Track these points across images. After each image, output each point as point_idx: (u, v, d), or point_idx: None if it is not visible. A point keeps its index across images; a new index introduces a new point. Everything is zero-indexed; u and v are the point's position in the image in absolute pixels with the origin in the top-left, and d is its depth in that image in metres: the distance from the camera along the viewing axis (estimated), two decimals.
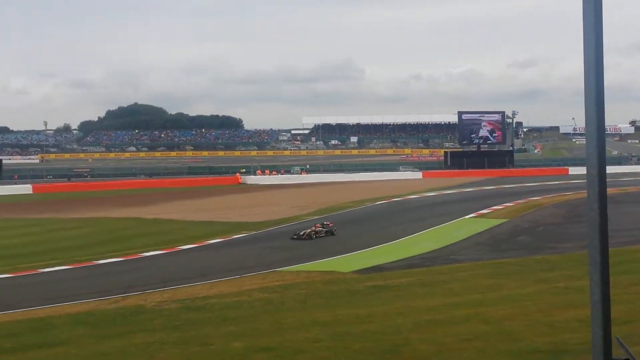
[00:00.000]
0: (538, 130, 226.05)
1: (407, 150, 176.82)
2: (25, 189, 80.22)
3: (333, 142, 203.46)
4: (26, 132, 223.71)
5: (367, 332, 19.04)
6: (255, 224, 45.77)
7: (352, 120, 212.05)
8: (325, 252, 34.65)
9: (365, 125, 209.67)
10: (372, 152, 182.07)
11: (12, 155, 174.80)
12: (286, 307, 23.08)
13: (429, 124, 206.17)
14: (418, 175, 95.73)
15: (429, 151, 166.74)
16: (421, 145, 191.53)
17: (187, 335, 19.47)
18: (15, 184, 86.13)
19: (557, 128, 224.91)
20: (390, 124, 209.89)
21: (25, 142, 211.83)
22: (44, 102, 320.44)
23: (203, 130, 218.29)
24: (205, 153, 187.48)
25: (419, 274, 28.58)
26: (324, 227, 39.88)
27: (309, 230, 39.03)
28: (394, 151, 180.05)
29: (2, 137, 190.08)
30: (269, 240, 39.78)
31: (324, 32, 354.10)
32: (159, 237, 42.07)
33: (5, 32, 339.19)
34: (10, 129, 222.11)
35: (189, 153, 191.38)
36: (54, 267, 32.74)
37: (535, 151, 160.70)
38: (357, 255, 34.02)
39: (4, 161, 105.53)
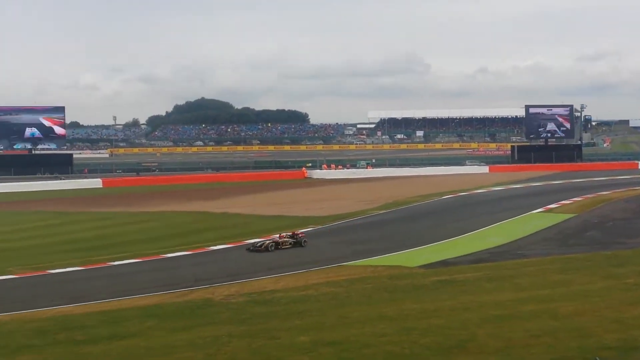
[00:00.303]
0: (607, 124, 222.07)
1: (474, 145, 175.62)
2: (95, 182, 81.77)
3: (399, 136, 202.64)
4: (96, 127, 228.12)
5: (433, 326, 19.01)
6: (321, 218, 45.84)
7: (417, 114, 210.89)
8: (392, 246, 34.63)
9: (431, 119, 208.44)
10: (438, 146, 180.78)
11: (82, 149, 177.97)
12: (352, 301, 23.15)
13: (495, 117, 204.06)
14: (485, 169, 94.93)
15: (496, 145, 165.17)
16: (488, 139, 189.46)
17: (254, 329, 19.65)
18: (86, 178, 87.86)
19: (626, 122, 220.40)
20: (456, 118, 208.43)
21: (95, 136, 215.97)
22: (113, 97, 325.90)
23: (269, 124, 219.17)
24: (271, 147, 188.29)
25: (486, 269, 28.39)
26: (292, 237, 35.93)
27: (267, 242, 35.22)
28: (460, 145, 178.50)
29: (73, 132, 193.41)
30: (335, 234, 39.89)
31: (389, 26, 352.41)
32: (226, 231, 42.46)
33: (77, 28, 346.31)
34: (81, 123, 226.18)
35: (256, 147, 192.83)
36: (123, 260, 33.31)
37: (605, 145, 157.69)
38: (423, 249, 33.90)
39: (74, 155, 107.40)
